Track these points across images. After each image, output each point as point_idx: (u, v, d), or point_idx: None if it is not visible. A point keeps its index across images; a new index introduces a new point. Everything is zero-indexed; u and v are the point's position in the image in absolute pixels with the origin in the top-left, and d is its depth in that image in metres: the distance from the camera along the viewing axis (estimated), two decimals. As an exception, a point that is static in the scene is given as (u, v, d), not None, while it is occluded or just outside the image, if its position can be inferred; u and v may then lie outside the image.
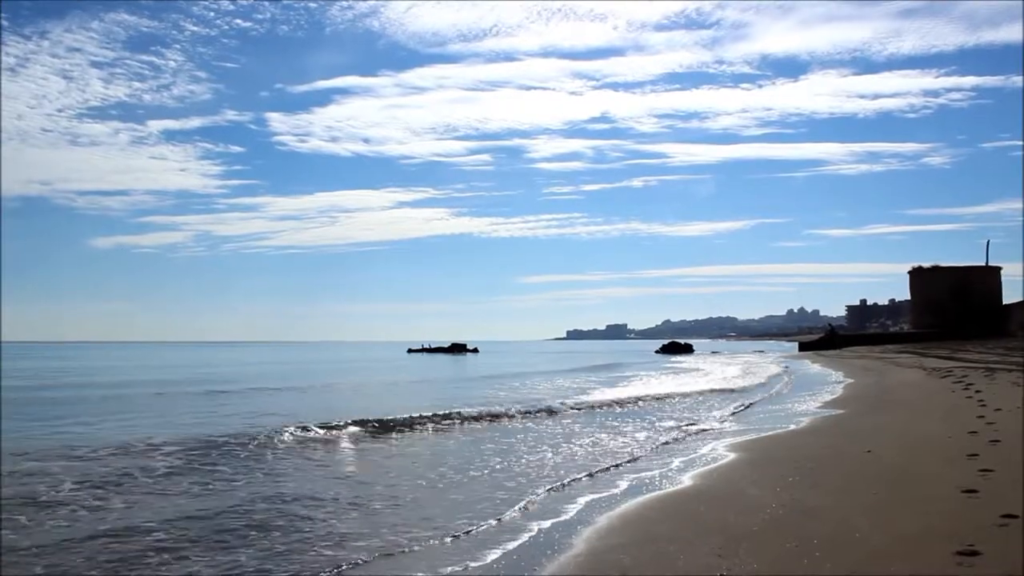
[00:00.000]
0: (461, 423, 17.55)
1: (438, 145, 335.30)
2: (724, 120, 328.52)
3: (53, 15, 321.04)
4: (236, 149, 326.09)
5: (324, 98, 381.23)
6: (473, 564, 6.74)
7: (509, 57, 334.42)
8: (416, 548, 7.31)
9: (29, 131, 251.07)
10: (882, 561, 5.88)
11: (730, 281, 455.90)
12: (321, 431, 15.07)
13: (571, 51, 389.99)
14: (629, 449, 13.54)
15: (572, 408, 21.31)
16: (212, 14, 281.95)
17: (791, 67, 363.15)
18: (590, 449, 13.65)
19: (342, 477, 11.25)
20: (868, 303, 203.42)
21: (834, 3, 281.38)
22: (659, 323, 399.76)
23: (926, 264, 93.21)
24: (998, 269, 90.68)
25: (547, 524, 8.09)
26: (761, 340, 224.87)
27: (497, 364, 62.20)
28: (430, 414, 18.16)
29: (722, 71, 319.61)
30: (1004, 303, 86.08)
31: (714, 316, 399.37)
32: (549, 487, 10.11)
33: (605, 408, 21.72)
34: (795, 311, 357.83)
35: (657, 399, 24.53)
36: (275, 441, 14.05)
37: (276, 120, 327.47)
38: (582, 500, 9.19)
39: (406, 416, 17.43)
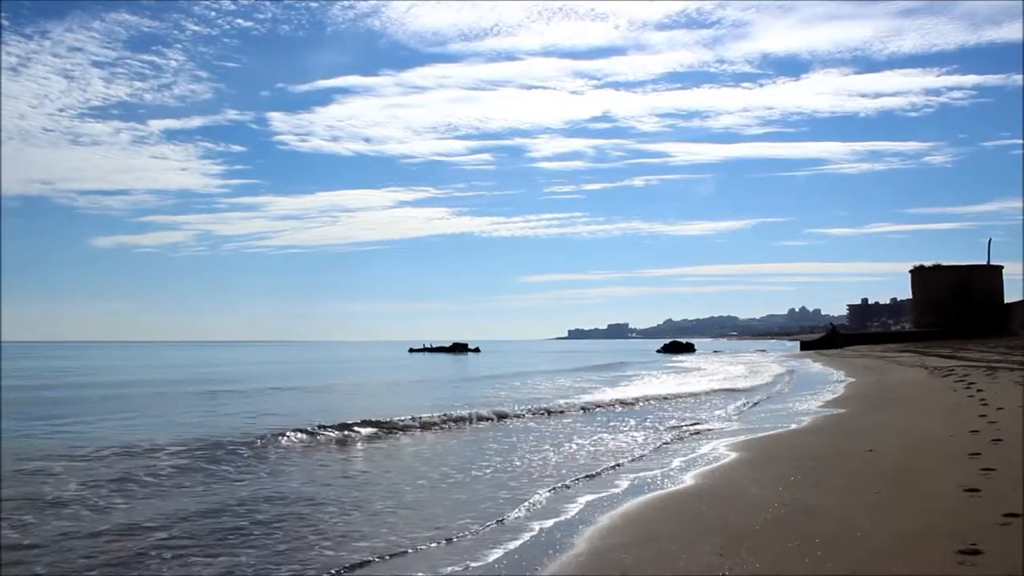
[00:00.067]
0: (463, 423, 17.54)
1: (439, 144, 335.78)
2: (725, 119, 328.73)
3: (54, 15, 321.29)
4: (237, 149, 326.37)
5: (325, 97, 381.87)
6: (475, 564, 6.74)
7: (510, 56, 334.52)
8: (418, 548, 7.30)
9: (30, 131, 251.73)
10: (884, 560, 5.88)
11: (731, 280, 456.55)
12: (323, 431, 15.06)
13: (572, 50, 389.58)
14: (630, 448, 13.54)
15: (574, 408, 21.31)
16: (213, 14, 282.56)
17: (792, 66, 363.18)
18: (591, 449, 13.65)
19: (344, 477, 11.25)
20: (869, 302, 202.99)
21: (835, 2, 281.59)
22: (660, 322, 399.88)
23: (927, 263, 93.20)
24: (1000, 268, 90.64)
25: (549, 523, 8.08)
26: (762, 339, 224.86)
27: (498, 364, 62.20)
28: (431, 414, 18.15)
29: (723, 70, 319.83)
30: (1006, 302, 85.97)
31: (715, 315, 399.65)
32: (551, 487, 10.11)
33: (606, 408, 21.71)
34: (796, 310, 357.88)
35: (658, 399, 24.53)
36: (277, 442, 14.05)
37: (277, 120, 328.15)
38: (584, 499, 9.19)
39: (408, 416, 17.41)
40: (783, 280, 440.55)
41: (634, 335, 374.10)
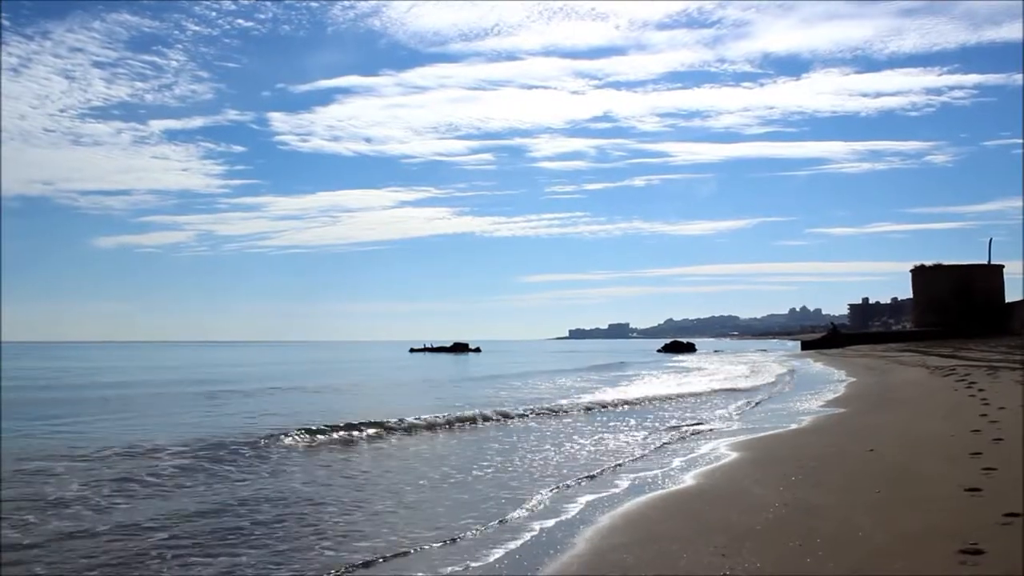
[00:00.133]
0: (464, 423, 17.53)
1: (440, 144, 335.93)
2: (726, 119, 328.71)
3: (55, 15, 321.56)
4: (238, 149, 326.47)
5: (326, 98, 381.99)
6: (476, 564, 6.74)
7: (511, 56, 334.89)
8: (418, 548, 7.30)
9: (31, 131, 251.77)
10: (885, 560, 5.87)
11: (732, 280, 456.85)
12: (324, 432, 15.04)
13: (573, 50, 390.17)
14: (631, 448, 13.54)
15: (575, 408, 21.30)
16: (214, 14, 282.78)
17: (793, 66, 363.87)
18: (592, 448, 13.64)
19: (344, 477, 11.25)
20: (870, 302, 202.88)
21: (835, 2, 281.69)
22: (661, 322, 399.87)
23: (928, 262, 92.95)
24: (1001, 267, 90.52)
25: (550, 523, 8.08)
26: (763, 339, 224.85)
27: (499, 363, 62.19)
28: (432, 414, 18.14)
29: (724, 70, 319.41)
30: (1007, 301, 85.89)
31: (716, 315, 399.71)
32: (552, 486, 10.11)
33: (607, 408, 21.70)
34: (797, 310, 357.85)
35: (659, 398, 24.52)
36: (278, 442, 14.05)
37: (278, 120, 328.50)
38: (585, 499, 9.19)
39: (408, 416, 17.40)
40: (784, 280, 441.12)
41: (635, 335, 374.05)
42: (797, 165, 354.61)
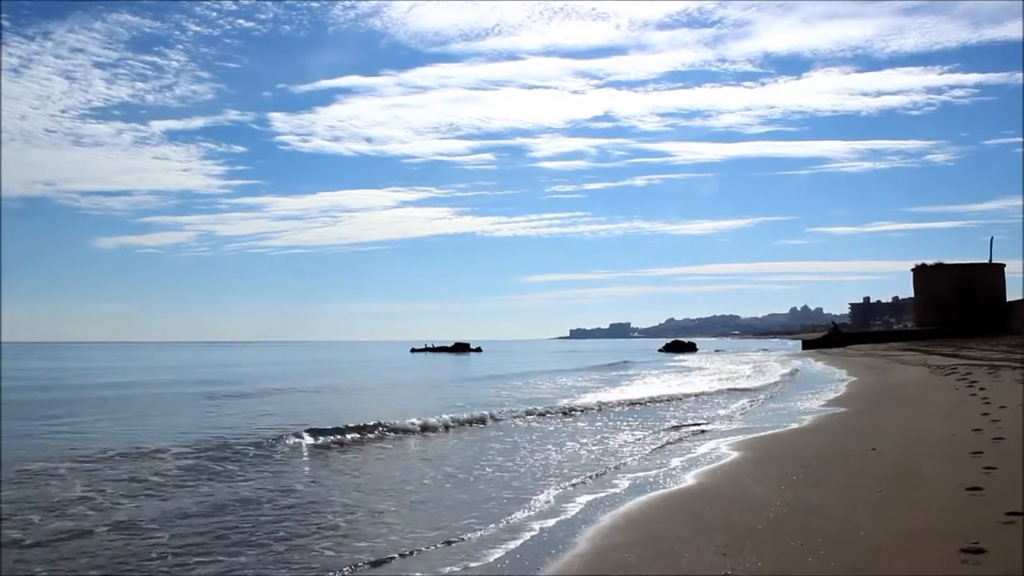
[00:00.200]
0: (465, 423, 17.51)
1: (440, 144, 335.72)
2: (727, 118, 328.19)
3: (55, 16, 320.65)
4: (239, 149, 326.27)
5: (326, 98, 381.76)
6: (478, 564, 6.74)
7: (511, 56, 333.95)
8: (420, 548, 7.30)
9: (32, 132, 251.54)
10: (887, 559, 5.87)
11: (733, 279, 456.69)
12: (325, 433, 15.02)
13: (573, 50, 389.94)
14: (633, 448, 13.54)
15: (576, 407, 21.29)
16: (214, 14, 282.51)
17: (793, 65, 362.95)
18: (594, 448, 13.64)
19: (346, 478, 11.25)
20: (871, 301, 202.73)
21: (836, 1, 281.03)
22: (662, 322, 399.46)
23: (930, 261, 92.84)
24: (1002, 266, 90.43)
25: (552, 523, 8.08)
26: (764, 338, 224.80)
27: (501, 363, 62.21)
28: (434, 415, 18.13)
29: (724, 69, 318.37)
30: (1008, 300, 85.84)
31: (717, 314, 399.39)
32: (554, 486, 10.11)
33: (609, 408, 21.69)
34: (798, 309, 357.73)
35: (660, 398, 24.50)
36: (279, 443, 14.04)
37: (278, 120, 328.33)
38: (586, 499, 9.19)
39: (410, 417, 17.40)
40: (785, 279, 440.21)
41: (636, 334, 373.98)
42: (798, 164, 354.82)
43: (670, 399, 24.12)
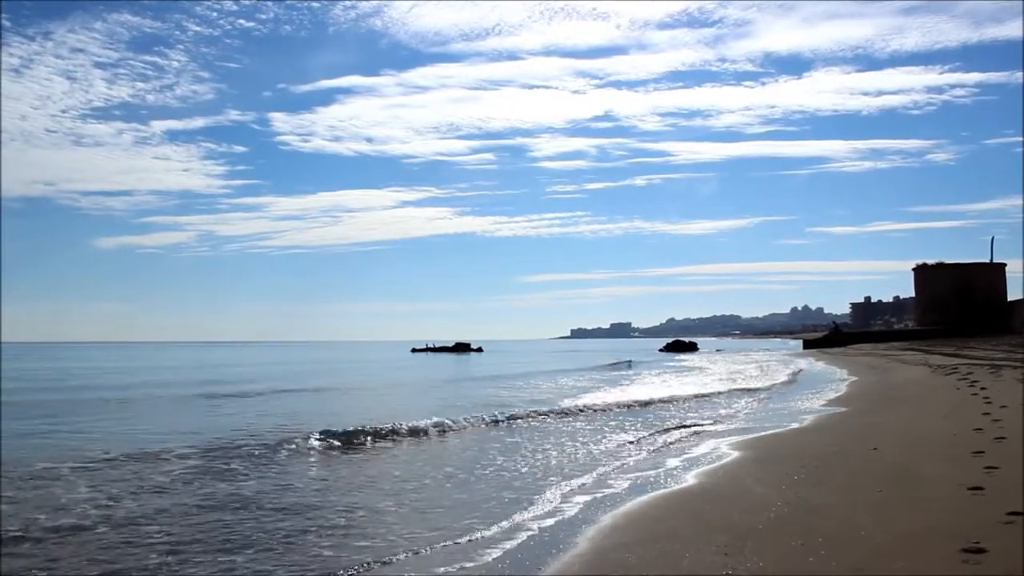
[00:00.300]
0: (466, 424, 17.50)
1: (441, 144, 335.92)
2: (727, 118, 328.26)
3: (56, 16, 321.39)
4: (239, 149, 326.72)
5: (327, 98, 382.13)
6: (478, 563, 6.73)
7: (512, 56, 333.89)
8: (419, 549, 7.29)
9: (33, 132, 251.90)
10: (887, 559, 5.86)
11: (734, 279, 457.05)
12: (326, 434, 15.01)
13: (574, 50, 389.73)
14: (634, 448, 13.53)
15: (577, 408, 21.28)
16: (215, 14, 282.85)
17: (794, 64, 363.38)
18: (594, 448, 13.64)
19: (347, 479, 11.25)
20: (872, 300, 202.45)
21: (836, 1, 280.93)
22: (663, 321, 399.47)
23: (930, 261, 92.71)
24: (1003, 266, 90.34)
25: (552, 523, 8.08)
26: (765, 338, 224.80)
27: (501, 363, 62.21)
28: (435, 416, 18.13)
29: (725, 69, 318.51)
30: (1008, 300, 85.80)
31: (718, 314, 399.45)
32: (555, 486, 10.11)
33: (610, 408, 21.67)
34: (799, 309, 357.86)
35: (661, 398, 24.49)
36: (281, 445, 14.03)
37: (279, 120, 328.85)
38: (587, 499, 9.18)
39: (411, 418, 17.41)
40: (785, 279, 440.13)
41: (637, 334, 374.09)
42: (798, 164, 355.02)
43: (671, 399, 24.09)
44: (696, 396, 25.28)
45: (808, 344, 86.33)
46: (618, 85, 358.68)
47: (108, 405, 23.51)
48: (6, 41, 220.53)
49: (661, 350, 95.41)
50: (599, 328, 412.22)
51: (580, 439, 14.83)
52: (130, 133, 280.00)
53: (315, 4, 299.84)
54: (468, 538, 7.60)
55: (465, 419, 17.73)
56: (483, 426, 17.33)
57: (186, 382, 37.49)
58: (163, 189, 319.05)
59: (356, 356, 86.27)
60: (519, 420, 18.35)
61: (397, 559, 6.98)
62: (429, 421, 16.87)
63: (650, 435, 15.22)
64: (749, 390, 27.84)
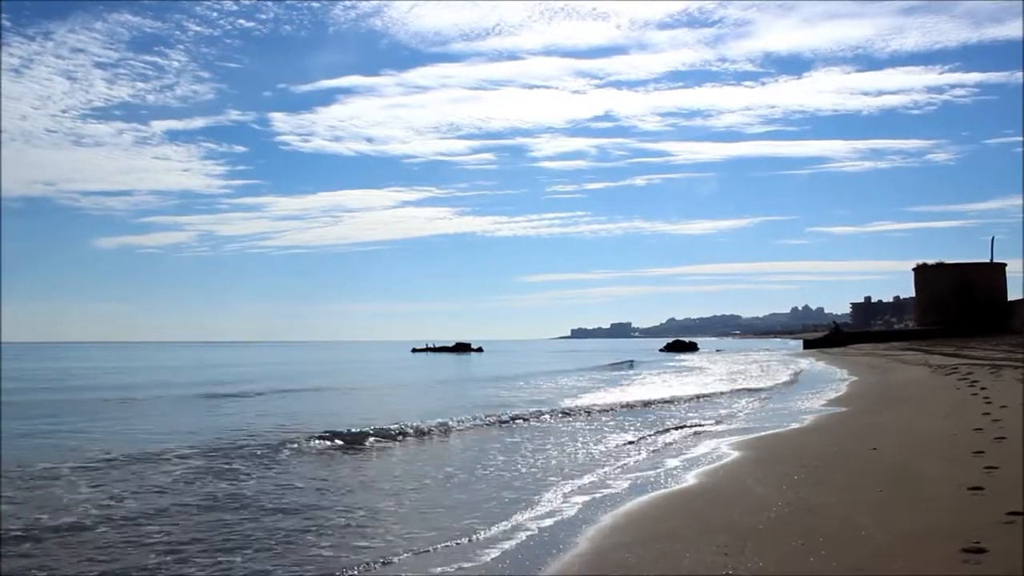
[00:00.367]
0: (467, 424, 17.50)
1: (441, 144, 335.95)
2: (727, 118, 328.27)
3: (56, 16, 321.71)
4: (239, 149, 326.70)
5: (327, 98, 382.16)
6: (478, 563, 6.73)
7: (512, 56, 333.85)
8: (420, 548, 7.29)
9: (33, 132, 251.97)
10: (888, 559, 5.86)
11: (734, 279, 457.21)
12: (327, 435, 15.01)
13: (574, 50, 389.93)
14: (634, 448, 13.53)
15: (577, 408, 21.28)
16: (215, 14, 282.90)
17: (794, 64, 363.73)
18: (595, 448, 13.63)
19: (348, 479, 11.24)
20: (872, 300, 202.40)
21: (836, 1, 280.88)
22: (663, 321, 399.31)
23: (930, 261, 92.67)
24: (1003, 266, 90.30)
25: (552, 523, 8.08)
26: (765, 338, 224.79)
27: (502, 364, 62.21)
28: (436, 416, 18.14)
29: (725, 69, 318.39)
30: (1009, 300, 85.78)
31: (718, 314, 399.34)
32: (555, 486, 10.10)
33: (610, 408, 21.67)
34: (799, 309, 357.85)
35: (662, 399, 24.48)
36: (281, 445, 14.03)
37: (279, 120, 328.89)
38: (587, 499, 9.18)
39: (412, 418, 17.41)
40: (786, 279, 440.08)
41: (637, 334, 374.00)
42: (798, 164, 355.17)
43: (671, 399, 24.09)
44: (696, 396, 25.26)
45: (808, 344, 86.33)
46: (618, 85, 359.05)
47: (108, 405, 23.49)
48: (6, 41, 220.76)
49: (661, 350, 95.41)
50: (599, 328, 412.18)
51: (580, 439, 14.82)
52: (130, 133, 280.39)
53: (315, 4, 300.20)
54: (468, 538, 7.60)
55: (465, 419, 17.75)
56: (484, 426, 17.32)
57: (186, 382, 37.48)
58: (163, 189, 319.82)
59: (356, 356, 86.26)
60: (520, 420, 18.35)
61: (397, 559, 6.98)
62: (430, 421, 16.88)
63: (650, 435, 15.21)
64: (749, 390, 27.83)
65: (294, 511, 8.90)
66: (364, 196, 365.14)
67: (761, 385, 30.31)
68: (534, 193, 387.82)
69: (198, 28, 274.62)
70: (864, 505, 7.65)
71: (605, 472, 11.11)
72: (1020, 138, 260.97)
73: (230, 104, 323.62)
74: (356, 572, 6.67)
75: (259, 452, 13.05)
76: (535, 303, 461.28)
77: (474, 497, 9.61)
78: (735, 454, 11.95)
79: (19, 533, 7.86)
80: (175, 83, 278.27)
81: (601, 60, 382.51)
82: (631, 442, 14.27)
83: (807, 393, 24.83)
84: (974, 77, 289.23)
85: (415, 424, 16.43)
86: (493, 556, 6.94)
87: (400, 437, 15.25)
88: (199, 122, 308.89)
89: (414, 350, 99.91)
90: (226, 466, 11.81)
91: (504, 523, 8.16)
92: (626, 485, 9.96)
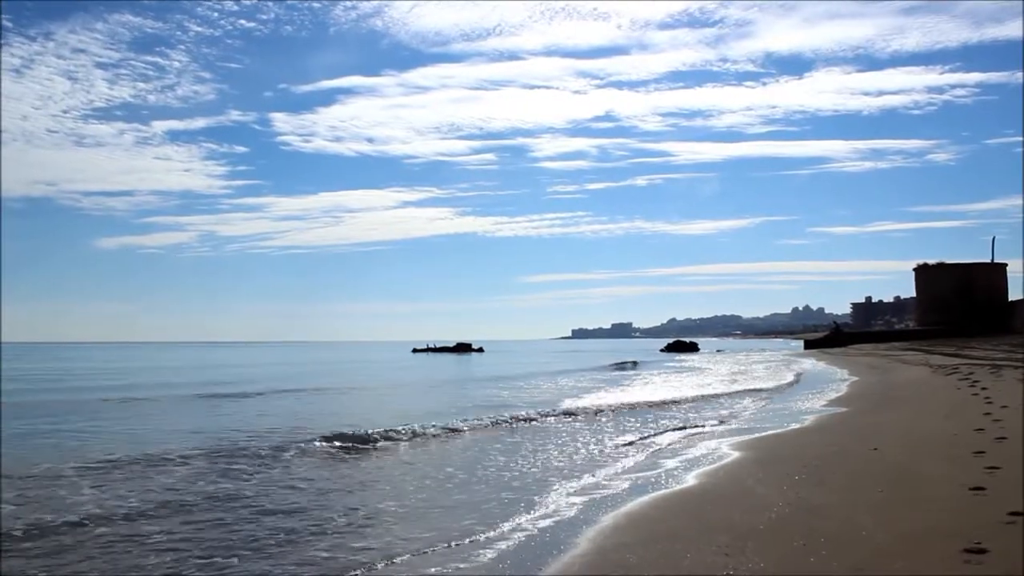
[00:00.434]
0: (467, 425, 17.50)
1: (442, 144, 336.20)
2: (728, 118, 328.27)
3: (57, 16, 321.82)
4: (240, 149, 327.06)
5: (328, 98, 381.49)
6: (477, 564, 6.73)
7: (512, 56, 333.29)
8: (420, 549, 7.29)
9: (34, 132, 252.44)
10: (888, 559, 5.86)
11: (735, 279, 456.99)
12: (328, 436, 15.01)
13: (574, 50, 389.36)
14: (634, 448, 13.53)
15: (577, 408, 21.28)
16: (216, 15, 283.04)
17: (795, 65, 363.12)
18: (595, 449, 13.63)
19: (348, 480, 11.25)
20: (873, 300, 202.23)
21: (837, 1, 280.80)
22: (664, 321, 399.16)
23: (931, 261, 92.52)
24: (1003, 266, 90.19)
25: (553, 523, 8.08)
26: (766, 338, 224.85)
27: (503, 364, 62.20)
28: (436, 417, 18.15)
29: (726, 69, 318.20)
30: (1009, 300, 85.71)
31: (719, 314, 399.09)
32: (555, 487, 10.11)
33: (610, 408, 21.67)
34: (800, 309, 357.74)
35: (662, 399, 24.48)
36: (282, 446, 14.04)
37: (280, 120, 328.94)
38: (588, 500, 9.18)
39: (414, 420, 17.41)
40: (786, 279, 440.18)
41: (638, 334, 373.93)
42: (799, 164, 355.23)
43: (672, 400, 24.08)
44: (697, 397, 25.26)
45: (809, 344, 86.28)
46: (619, 85, 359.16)
47: (109, 405, 23.49)
48: (7, 41, 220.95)
49: (662, 350, 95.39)
50: (600, 328, 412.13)
51: (581, 440, 14.82)
52: (131, 133, 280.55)
53: (316, 4, 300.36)
54: (468, 539, 7.60)
55: (466, 420, 17.74)
56: (484, 427, 17.32)
57: (187, 382, 37.46)
58: (164, 189, 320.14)
59: (357, 356, 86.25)
60: (520, 421, 18.34)
61: (399, 559, 6.98)
62: (430, 422, 16.88)
63: (651, 436, 15.21)
64: (750, 391, 27.83)
65: (294, 511, 8.90)
66: (365, 196, 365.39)
67: (762, 386, 30.30)
68: (535, 193, 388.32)
69: (199, 28, 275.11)
70: (865, 505, 7.65)
71: (606, 473, 11.11)
72: (1020, 138, 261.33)
73: (231, 104, 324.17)
74: (356, 572, 6.68)
75: (259, 453, 13.06)
76: (536, 303, 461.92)
77: (474, 497, 9.61)
78: (736, 454, 11.95)
79: (20, 533, 7.87)
80: (176, 83, 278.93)
81: (602, 60, 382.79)
82: (631, 442, 14.27)
83: (808, 393, 24.83)
84: (974, 77, 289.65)
85: (415, 425, 16.43)
86: (493, 556, 6.94)
87: (400, 437, 15.24)
88: (200, 122, 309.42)
89: (415, 350, 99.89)
90: (226, 467, 11.82)
91: (505, 524, 8.16)
92: (627, 485, 9.96)
